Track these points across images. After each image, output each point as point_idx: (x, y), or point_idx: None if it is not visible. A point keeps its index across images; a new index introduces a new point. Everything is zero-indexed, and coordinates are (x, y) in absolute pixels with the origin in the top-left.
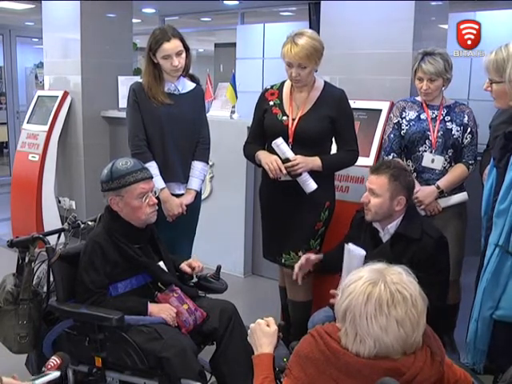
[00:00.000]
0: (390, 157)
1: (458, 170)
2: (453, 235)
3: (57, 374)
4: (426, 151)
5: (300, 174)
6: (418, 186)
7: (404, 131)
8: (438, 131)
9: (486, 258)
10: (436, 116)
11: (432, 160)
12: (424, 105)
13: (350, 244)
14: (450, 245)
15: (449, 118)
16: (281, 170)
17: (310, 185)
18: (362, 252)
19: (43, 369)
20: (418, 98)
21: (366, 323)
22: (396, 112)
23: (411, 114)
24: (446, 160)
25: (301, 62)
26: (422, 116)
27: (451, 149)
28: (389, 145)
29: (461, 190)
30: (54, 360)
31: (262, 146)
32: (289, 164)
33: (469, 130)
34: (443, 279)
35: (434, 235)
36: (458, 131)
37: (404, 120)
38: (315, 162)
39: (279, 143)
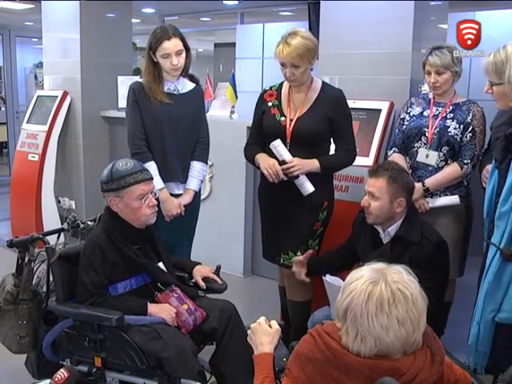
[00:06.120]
0: (392, 151)
1: (449, 170)
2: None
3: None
4: (420, 147)
5: (297, 177)
6: None
7: (405, 126)
8: (436, 128)
9: (488, 260)
10: (439, 113)
11: (426, 155)
12: (431, 102)
13: (328, 276)
14: None
15: (452, 115)
16: (279, 175)
17: (307, 187)
18: (340, 283)
19: (50, 381)
20: (431, 95)
21: (366, 322)
22: (404, 107)
23: (416, 110)
24: (439, 157)
25: (293, 62)
26: (425, 113)
27: (446, 146)
28: (393, 139)
29: (459, 190)
30: (62, 373)
31: (262, 148)
32: (285, 166)
33: (470, 128)
34: (440, 283)
35: (432, 239)
36: (455, 129)
37: (407, 115)
38: (313, 164)
39: (276, 145)
